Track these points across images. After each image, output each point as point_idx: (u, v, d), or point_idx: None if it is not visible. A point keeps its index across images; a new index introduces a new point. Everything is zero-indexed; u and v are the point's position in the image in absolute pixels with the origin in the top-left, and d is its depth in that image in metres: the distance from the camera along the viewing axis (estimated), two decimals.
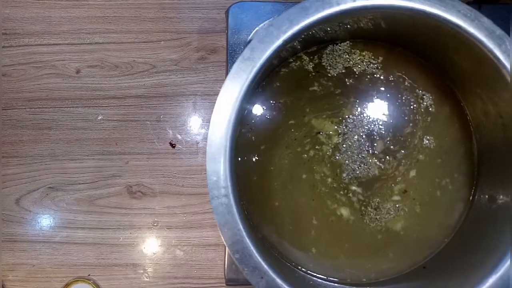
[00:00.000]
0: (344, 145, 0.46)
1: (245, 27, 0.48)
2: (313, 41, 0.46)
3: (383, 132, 0.46)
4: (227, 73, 0.38)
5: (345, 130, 0.46)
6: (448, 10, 0.37)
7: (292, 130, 0.46)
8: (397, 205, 0.46)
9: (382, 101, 0.47)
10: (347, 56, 0.47)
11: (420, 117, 0.47)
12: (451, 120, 0.47)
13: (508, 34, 0.37)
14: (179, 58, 0.57)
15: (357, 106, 0.46)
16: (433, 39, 0.42)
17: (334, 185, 0.46)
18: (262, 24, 0.47)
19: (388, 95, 0.47)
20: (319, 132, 0.46)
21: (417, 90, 0.47)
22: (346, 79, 0.47)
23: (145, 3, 0.57)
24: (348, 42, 0.47)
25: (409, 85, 0.47)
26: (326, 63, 0.47)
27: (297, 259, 0.46)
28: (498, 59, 0.37)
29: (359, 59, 0.47)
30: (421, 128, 0.46)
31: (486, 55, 0.37)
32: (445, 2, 0.37)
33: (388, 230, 0.46)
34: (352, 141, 0.46)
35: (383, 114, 0.46)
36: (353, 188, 0.46)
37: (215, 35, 0.57)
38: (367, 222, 0.46)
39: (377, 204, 0.46)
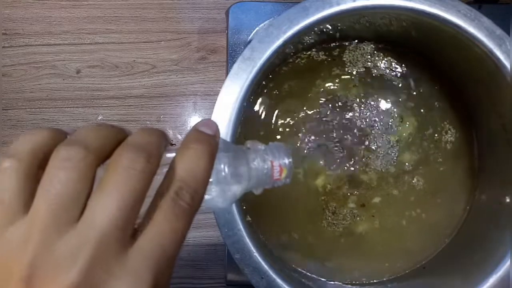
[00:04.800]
0: (365, 113, 0.46)
1: (245, 27, 0.48)
2: (341, 35, 0.46)
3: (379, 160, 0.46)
4: (227, 73, 0.38)
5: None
6: (448, 10, 0.37)
7: (320, 87, 0.47)
8: (354, 211, 0.46)
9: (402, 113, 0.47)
10: (369, 57, 0.47)
11: (439, 153, 0.46)
12: (458, 156, 0.47)
13: (508, 34, 0.37)
14: (179, 58, 0.57)
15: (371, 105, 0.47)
16: (434, 40, 0.42)
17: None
18: (262, 24, 0.47)
19: (404, 106, 0.47)
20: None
21: (444, 122, 0.47)
22: (365, 79, 0.47)
23: (145, 3, 0.57)
24: (373, 43, 0.47)
25: (438, 106, 0.47)
26: (347, 59, 0.47)
27: (286, 251, 0.46)
28: (498, 59, 0.37)
29: (380, 63, 0.47)
30: (425, 167, 0.46)
31: (486, 55, 0.37)
32: (445, 2, 0.37)
33: (352, 234, 0.46)
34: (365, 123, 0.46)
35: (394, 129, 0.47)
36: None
37: (215, 35, 0.57)
38: (325, 226, 0.46)
39: (334, 208, 0.46)
